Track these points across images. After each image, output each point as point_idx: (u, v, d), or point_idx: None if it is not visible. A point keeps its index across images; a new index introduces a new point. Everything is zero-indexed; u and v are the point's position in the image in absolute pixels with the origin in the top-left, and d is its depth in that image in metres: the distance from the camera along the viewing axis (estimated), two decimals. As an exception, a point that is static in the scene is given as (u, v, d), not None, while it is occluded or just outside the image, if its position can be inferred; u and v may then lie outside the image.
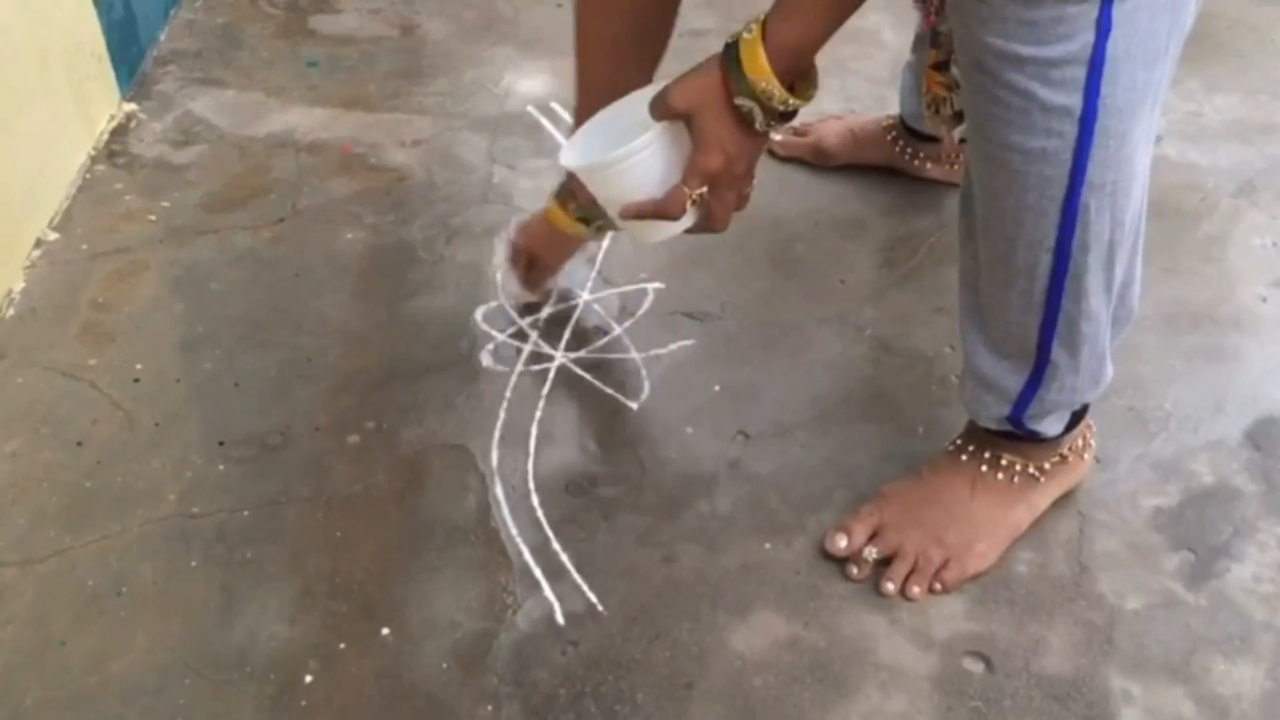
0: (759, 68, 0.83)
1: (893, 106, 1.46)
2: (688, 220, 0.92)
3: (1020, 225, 0.87)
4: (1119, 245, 0.89)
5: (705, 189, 0.89)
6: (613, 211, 0.94)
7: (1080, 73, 0.78)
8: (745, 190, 0.92)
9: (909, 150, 1.44)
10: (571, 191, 1.13)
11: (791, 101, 0.85)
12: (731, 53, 0.84)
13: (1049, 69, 0.78)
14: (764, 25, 0.83)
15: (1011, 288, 0.91)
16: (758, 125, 0.86)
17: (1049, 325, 0.92)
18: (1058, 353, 0.94)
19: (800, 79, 0.87)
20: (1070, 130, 0.81)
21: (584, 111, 1.02)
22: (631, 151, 0.89)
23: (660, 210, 0.89)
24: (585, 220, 1.14)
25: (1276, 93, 1.67)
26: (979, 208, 0.91)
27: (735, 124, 0.86)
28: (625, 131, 0.90)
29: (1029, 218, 0.86)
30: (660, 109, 0.88)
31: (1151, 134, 0.86)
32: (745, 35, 0.84)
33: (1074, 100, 0.79)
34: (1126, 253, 0.91)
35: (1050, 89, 0.79)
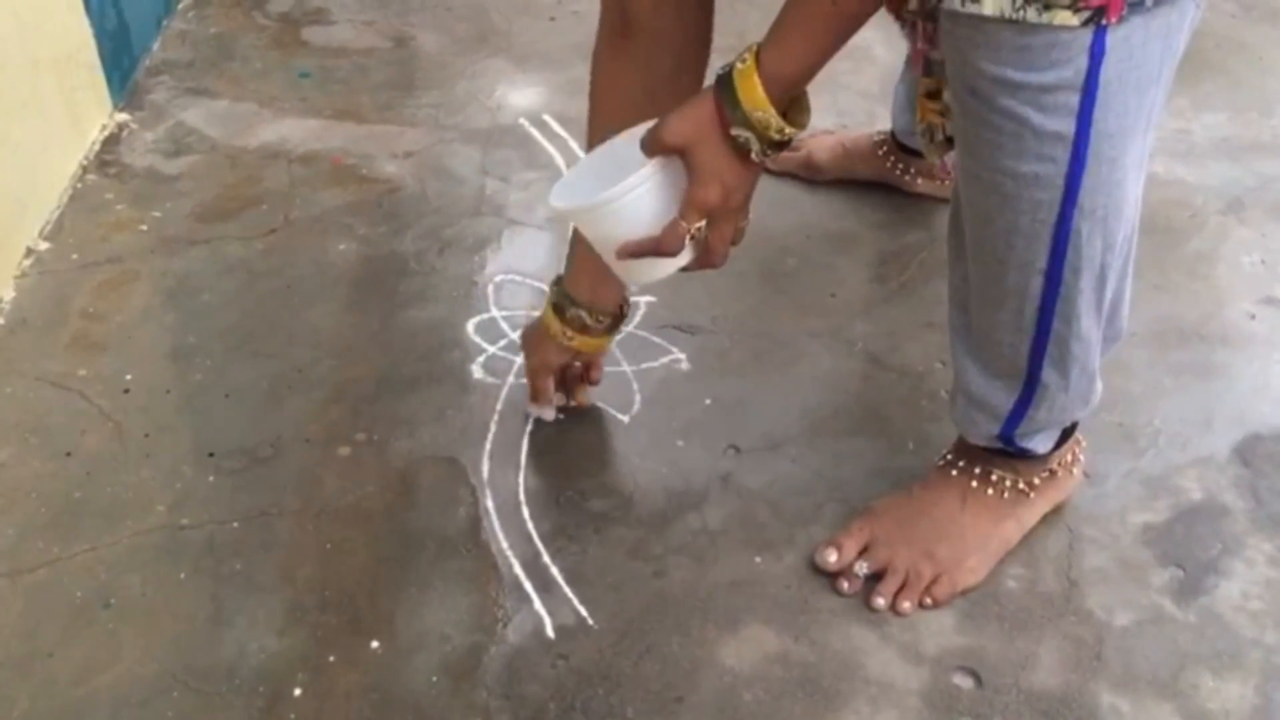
0: (755, 98, 0.82)
1: (884, 121, 1.47)
2: (685, 257, 0.90)
3: (1012, 248, 0.87)
4: (1110, 267, 0.89)
5: (704, 223, 0.88)
6: (607, 253, 0.92)
7: (1073, 98, 0.79)
8: (741, 223, 0.91)
9: (900, 165, 1.44)
10: (567, 293, 1.09)
11: (787, 130, 0.84)
12: (725, 84, 0.83)
13: (1042, 94, 0.79)
14: (758, 55, 0.82)
15: (1002, 309, 0.92)
16: (754, 155, 0.85)
17: (1039, 346, 0.93)
18: (1048, 373, 0.94)
19: (792, 106, 0.86)
20: (1062, 155, 0.81)
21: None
22: (626, 190, 0.86)
23: (658, 247, 0.88)
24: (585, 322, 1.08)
25: (1265, 110, 1.68)
26: (970, 230, 0.91)
27: (732, 155, 0.85)
28: (618, 170, 0.88)
29: (1020, 241, 0.87)
30: (654, 144, 0.86)
31: (1144, 158, 0.86)
32: (739, 65, 0.83)
33: (1067, 126, 0.80)
34: (1117, 274, 0.91)
35: (1043, 114, 0.79)
